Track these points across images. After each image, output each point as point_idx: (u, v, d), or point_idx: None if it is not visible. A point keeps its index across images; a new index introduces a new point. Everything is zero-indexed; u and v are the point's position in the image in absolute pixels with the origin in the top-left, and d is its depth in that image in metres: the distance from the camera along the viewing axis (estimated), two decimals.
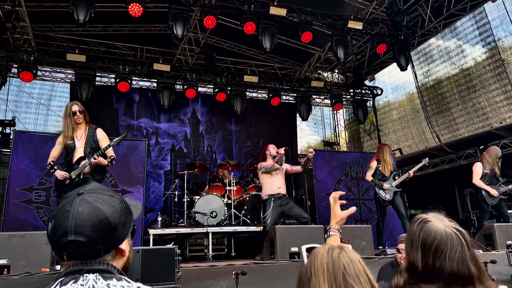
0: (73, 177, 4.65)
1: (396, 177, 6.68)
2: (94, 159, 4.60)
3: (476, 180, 6.48)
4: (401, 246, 3.70)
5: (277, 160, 6.27)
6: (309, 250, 1.45)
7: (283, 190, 6.27)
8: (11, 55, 9.19)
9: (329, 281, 1.27)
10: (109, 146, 4.70)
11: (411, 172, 6.71)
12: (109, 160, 4.77)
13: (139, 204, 1.40)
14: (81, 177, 4.66)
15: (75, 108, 4.78)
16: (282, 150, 6.27)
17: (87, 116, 4.90)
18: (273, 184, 6.28)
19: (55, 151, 4.83)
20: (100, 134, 4.91)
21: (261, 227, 6.60)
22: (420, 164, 6.84)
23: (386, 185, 6.59)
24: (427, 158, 6.96)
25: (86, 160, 4.65)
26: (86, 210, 1.14)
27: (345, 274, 1.27)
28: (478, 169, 6.52)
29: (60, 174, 4.67)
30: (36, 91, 11.44)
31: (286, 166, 6.46)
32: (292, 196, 10.97)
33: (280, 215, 6.39)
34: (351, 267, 1.29)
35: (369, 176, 6.78)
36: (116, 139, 4.72)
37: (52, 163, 4.71)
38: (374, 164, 6.80)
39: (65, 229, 1.12)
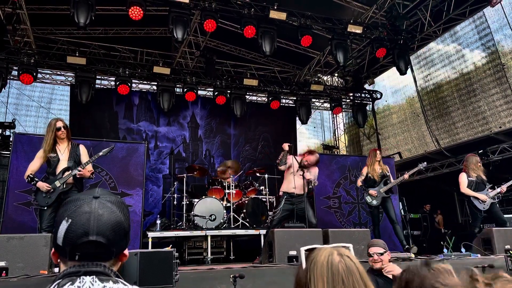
0: (57, 186, 4.91)
1: (388, 182, 6.71)
2: (79, 171, 4.94)
3: (464, 188, 6.51)
4: (371, 249, 3.80)
5: (280, 157, 6.36)
6: (308, 250, 1.46)
7: (298, 191, 6.29)
8: (12, 58, 9.21)
9: None
10: (97, 156, 5.09)
11: (406, 175, 6.79)
12: (90, 173, 5.15)
13: None
14: (65, 186, 4.95)
15: (60, 124, 5.08)
16: (286, 146, 6.33)
17: (70, 132, 5.25)
18: (290, 182, 6.33)
19: (35, 165, 5.04)
20: (82, 150, 5.24)
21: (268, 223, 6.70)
22: (416, 168, 6.93)
23: (371, 191, 6.68)
24: (425, 163, 7.01)
25: (71, 171, 4.97)
26: (106, 213, 1.19)
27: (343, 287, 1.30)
28: (463, 179, 6.56)
29: (43, 186, 4.87)
30: (37, 94, 11.47)
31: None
32: None
33: (291, 213, 6.44)
34: (349, 280, 1.31)
35: (359, 182, 6.94)
36: (104, 150, 5.13)
37: (32, 176, 4.92)
38: (364, 170, 6.92)
39: (86, 229, 1.15)
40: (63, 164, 5.01)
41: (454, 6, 8.94)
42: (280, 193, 6.45)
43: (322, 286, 1.31)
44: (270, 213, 8.95)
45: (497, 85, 9.07)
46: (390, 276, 3.72)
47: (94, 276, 1.15)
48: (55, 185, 4.89)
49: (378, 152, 6.98)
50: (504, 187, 6.43)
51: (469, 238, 6.12)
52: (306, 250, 1.47)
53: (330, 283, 1.31)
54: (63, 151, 5.07)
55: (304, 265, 1.41)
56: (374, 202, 6.69)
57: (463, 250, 5.76)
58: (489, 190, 6.44)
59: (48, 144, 5.00)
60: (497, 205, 6.59)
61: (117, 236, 1.18)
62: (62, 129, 5.05)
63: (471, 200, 6.45)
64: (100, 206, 1.19)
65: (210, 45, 11.34)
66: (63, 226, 1.17)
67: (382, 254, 3.76)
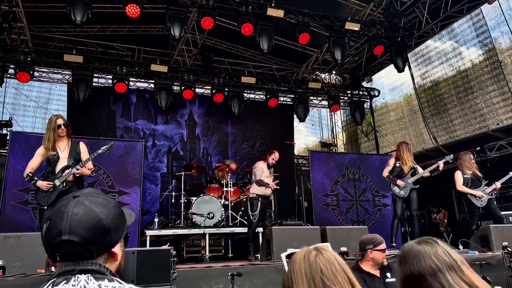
0: (57, 184, 4.82)
1: (416, 173, 6.64)
2: (77, 169, 4.82)
3: (460, 186, 6.55)
4: (383, 246, 3.69)
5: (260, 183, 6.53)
6: (289, 257, 1.49)
7: (269, 192, 6.45)
8: (8, 56, 9.18)
9: (308, 286, 1.29)
10: (97, 154, 4.96)
11: (441, 163, 6.60)
12: (91, 171, 5.03)
13: (133, 214, 1.43)
14: (64, 184, 4.86)
15: (60, 121, 4.96)
16: (273, 184, 6.53)
17: (70, 130, 5.11)
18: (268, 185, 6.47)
19: (35, 162, 4.95)
20: (83, 147, 5.14)
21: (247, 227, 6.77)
22: (444, 160, 6.70)
23: (400, 182, 6.57)
24: (452, 155, 6.86)
25: (71, 169, 4.86)
26: (81, 212, 1.16)
27: (322, 277, 1.29)
28: (459, 176, 6.60)
29: (43, 184, 4.78)
30: (34, 94, 11.44)
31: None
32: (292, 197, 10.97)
33: (263, 213, 6.65)
34: (328, 269, 1.31)
35: (385, 173, 6.79)
36: (103, 147, 5.00)
37: (32, 175, 4.83)
38: (392, 161, 6.83)
39: (59, 229, 1.13)
40: (62, 162, 4.90)
41: (451, 3, 8.93)
42: (253, 195, 6.56)
43: (302, 280, 1.31)
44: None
45: (494, 82, 9.08)
46: (378, 274, 3.67)
47: (89, 275, 1.14)
48: (55, 184, 4.80)
49: (406, 143, 6.94)
50: (498, 184, 6.50)
51: (467, 235, 6.14)
52: (286, 256, 1.51)
53: (309, 275, 1.31)
54: (63, 148, 4.96)
55: (286, 269, 1.42)
56: (402, 193, 6.59)
57: (460, 247, 5.77)
58: (485, 187, 6.47)
59: (48, 141, 4.89)
60: (495, 201, 6.61)
61: (94, 235, 1.15)
62: (62, 126, 4.94)
63: (468, 197, 6.47)
64: (76, 205, 1.17)
65: (207, 43, 11.32)
66: (44, 228, 1.17)
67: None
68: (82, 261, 1.15)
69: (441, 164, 6.60)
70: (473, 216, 6.50)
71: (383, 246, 3.68)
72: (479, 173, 6.60)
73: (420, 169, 6.74)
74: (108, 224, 1.19)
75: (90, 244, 1.15)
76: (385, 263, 3.67)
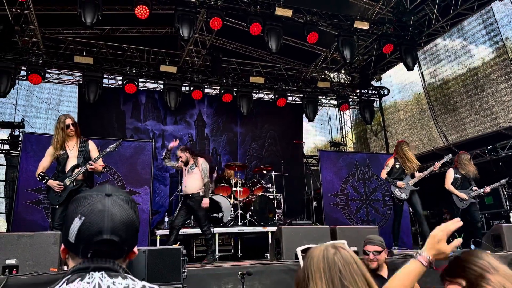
0: (68, 184, 4.88)
1: (416, 174, 6.51)
2: (91, 165, 4.88)
3: (447, 184, 6.55)
4: (368, 247, 3.64)
5: (164, 154, 6.55)
6: (304, 251, 1.47)
7: (188, 190, 6.13)
8: (20, 58, 9.29)
9: (327, 286, 1.29)
10: (105, 152, 5.01)
11: (438, 163, 6.46)
12: (102, 167, 5.10)
13: None
14: (75, 183, 4.91)
15: (68, 121, 5.05)
16: (171, 145, 6.45)
17: (79, 129, 5.19)
18: (184, 183, 6.34)
19: (45, 162, 5.02)
20: (92, 146, 5.20)
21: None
22: (443, 160, 6.54)
23: (400, 183, 6.39)
24: (450, 155, 6.66)
25: (81, 168, 4.92)
26: (119, 212, 1.19)
27: (341, 278, 1.29)
28: (450, 175, 6.59)
29: (54, 184, 4.84)
30: (45, 96, 11.58)
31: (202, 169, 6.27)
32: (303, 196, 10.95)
33: (188, 213, 6.25)
34: (346, 270, 1.31)
35: (383, 174, 6.59)
36: (112, 145, 5.04)
37: (43, 174, 4.91)
38: (390, 162, 6.60)
39: (100, 228, 1.15)
40: (72, 161, 4.98)
41: (462, 0, 8.85)
42: None
43: (320, 279, 1.31)
44: (278, 210, 8.96)
45: (505, 80, 8.98)
46: (385, 276, 3.61)
47: (103, 272, 1.15)
48: (65, 183, 4.87)
49: (406, 142, 6.75)
50: (487, 188, 6.52)
51: (477, 234, 6.09)
52: (302, 251, 1.49)
53: (328, 274, 1.31)
54: (72, 147, 5.03)
55: (301, 264, 1.42)
56: (404, 196, 6.38)
57: (472, 246, 5.72)
58: (472, 190, 6.46)
59: (58, 141, 4.97)
60: (477, 205, 6.57)
61: (129, 235, 1.20)
62: (71, 126, 5.03)
63: (452, 197, 6.50)
64: (113, 205, 1.19)
65: (216, 43, 11.35)
66: (76, 223, 1.16)
67: (379, 253, 3.58)
68: (110, 259, 1.17)
69: (437, 164, 6.48)
70: (454, 215, 6.47)
71: (368, 247, 3.64)
72: (473, 175, 6.56)
73: (417, 172, 6.59)
74: (137, 224, 1.24)
75: (124, 244, 1.19)
76: (371, 266, 3.58)
